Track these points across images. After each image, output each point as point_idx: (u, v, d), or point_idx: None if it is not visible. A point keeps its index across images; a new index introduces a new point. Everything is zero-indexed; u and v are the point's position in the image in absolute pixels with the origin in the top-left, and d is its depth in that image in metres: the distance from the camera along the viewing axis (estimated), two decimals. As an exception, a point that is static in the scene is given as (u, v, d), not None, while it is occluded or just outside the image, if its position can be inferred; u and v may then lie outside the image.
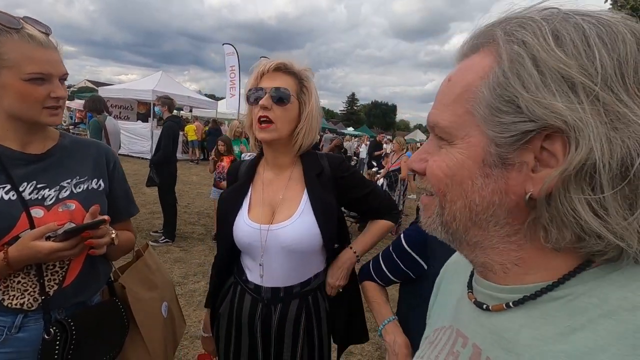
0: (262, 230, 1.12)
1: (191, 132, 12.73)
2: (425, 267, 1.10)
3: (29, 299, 0.99)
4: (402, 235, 1.18)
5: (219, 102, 15.88)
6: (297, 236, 1.11)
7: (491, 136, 0.38)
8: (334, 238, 1.19)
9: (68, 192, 1.05)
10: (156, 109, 4.69)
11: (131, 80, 17.64)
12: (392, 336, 1.03)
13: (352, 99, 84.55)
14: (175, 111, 4.83)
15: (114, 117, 6.18)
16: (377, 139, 13.16)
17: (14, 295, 0.98)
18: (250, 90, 1.12)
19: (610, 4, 7.48)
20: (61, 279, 1.04)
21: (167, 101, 4.62)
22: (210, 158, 5.01)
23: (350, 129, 38.12)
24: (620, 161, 0.33)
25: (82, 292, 1.09)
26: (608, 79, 0.33)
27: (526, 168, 0.38)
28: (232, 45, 13.81)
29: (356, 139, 17.65)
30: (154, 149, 5.31)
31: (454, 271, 0.61)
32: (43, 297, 1.00)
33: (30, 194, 1.00)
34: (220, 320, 1.25)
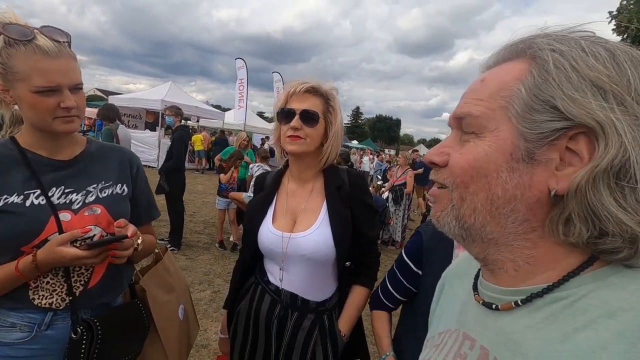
0: (284, 238, 1.19)
1: (198, 142, 12.87)
2: (420, 273, 1.16)
3: (57, 299, 1.03)
4: (403, 249, 1.26)
5: (226, 113, 16.10)
6: (315, 245, 1.16)
7: (522, 131, 0.41)
8: (345, 253, 1.20)
9: (94, 197, 1.09)
10: (167, 118, 4.78)
11: (139, 90, 17.93)
12: None
13: (356, 113, 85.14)
14: (182, 121, 4.94)
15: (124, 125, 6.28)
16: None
17: (43, 295, 1.02)
18: (281, 109, 1.18)
19: (614, 28, 7.60)
20: (87, 280, 1.07)
21: (178, 111, 4.73)
22: (224, 166, 5.13)
23: (355, 142, 38.32)
24: None
25: (107, 293, 1.13)
26: (635, 91, 0.38)
27: (551, 165, 0.40)
28: (243, 60, 14.12)
29: (361, 151, 17.74)
30: (161, 158, 5.39)
31: (457, 276, 0.63)
32: (70, 298, 1.04)
33: (58, 198, 1.04)
34: (239, 317, 1.29)
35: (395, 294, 1.24)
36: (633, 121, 0.37)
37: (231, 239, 5.56)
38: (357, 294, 1.29)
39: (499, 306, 0.47)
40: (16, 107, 1.02)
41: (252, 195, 5.47)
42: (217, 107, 26.99)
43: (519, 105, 0.42)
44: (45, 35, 0.96)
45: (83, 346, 1.02)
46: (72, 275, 1.05)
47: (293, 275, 1.20)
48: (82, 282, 1.07)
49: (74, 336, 1.02)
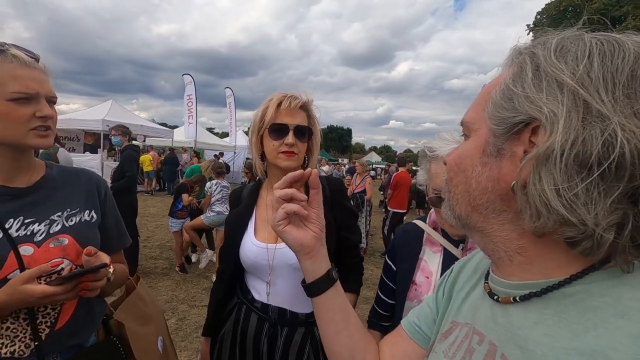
0: (269, 249, 1.16)
1: (147, 162, 12.16)
2: (395, 269, 1.24)
3: (20, 346, 0.91)
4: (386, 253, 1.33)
5: (175, 131, 15.46)
6: None
7: (492, 128, 0.44)
8: (331, 258, 1.19)
9: (60, 226, 0.99)
10: (114, 139, 4.45)
11: (73, 110, 16.58)
12: None
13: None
14: (130, 140, 4.63)
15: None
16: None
17: (3, 343, 0.89)
18: (273, 124, 1.16)
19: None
20: (54, 321, 0.96)
21: (126, 130, 4.44)
22: (188, 186, 4.91)
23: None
24: (581, 152, 0.36)
25: (78, 333, 1.01)
26: (592, 81, 0.37)
27: (515, 159, 0.42)
28: (191, 76, 13.77)
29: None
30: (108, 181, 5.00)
31: (473, 270, 0.63)
32: (36, 343, 0.92)
33: (17, 230, 0.93)
34: (224, 342, 1.22)
35: (385, 298, 1.26)
36: (580, 114, 0.37)
37: (193, 259, 5.29)
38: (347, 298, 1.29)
39: (500, 299, 0.48)
40: None
41: (211, 215, 5.25)
42: (163, 124, 25.77)
43: (491, 106, 0.45)
44: (18, 49, 0.92)
45: None
46: (36, 316, 0.93)
47: (280, 288, 1.17)
48: (49, 324, 0.95)
49: None
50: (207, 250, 5.09)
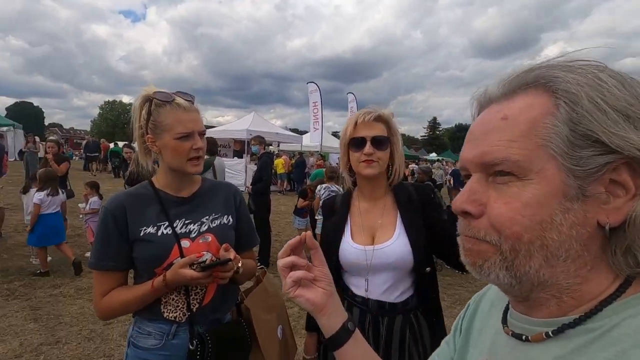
0: (367, 251, 1.30)
1: (280, 165, 13.73)
2: None
3: (179, 313, 1.22)
4: None
5: (304, 136, 16.91)
6: (399, 254, 1.28)
7: (570, 169, 0.40)
8: (423, 259, 1.29)
9: (207, 227, 1.27)
10: (253, 147, 5.26)
11: (226, 121, 19.89)
12: None
13: (433, 124, 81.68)
14: (265, 148, 5.39)
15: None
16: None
17: (170, 309, 1.22)
18: (352, 138, 1.33)
19: None
20: (201, 298, 1.25)
21: (262, 140, 5.18)
22: (308, 191, 5.45)
23: (433, 155, 36.63)
24: None
25: (217, 310, 1.29)
26: None
27: (599, 200, 0.40)
28: (315, 83, 14.79)
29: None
30: (248, 182, 5.88)
31: (491, 303, 0.60)
32: (189, 313, 1.22)
33: (180, 228, 1.24)
34: None
35: None
36: None
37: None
38: None
39: (530, 337, 0.45)
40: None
41: (320, 217, 5.57)
42: (295, 130, 28.53)
43: (562, 142, 0.40)
44: (180, 97, 1.22)
45: (198, 356, 1.18)
46: (190, 293, 1.23)
47: (377, 283, 1.30)
48: (198, 300, 1.24)
49: (190, 347, 1.19)
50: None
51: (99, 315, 1.25)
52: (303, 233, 0.66)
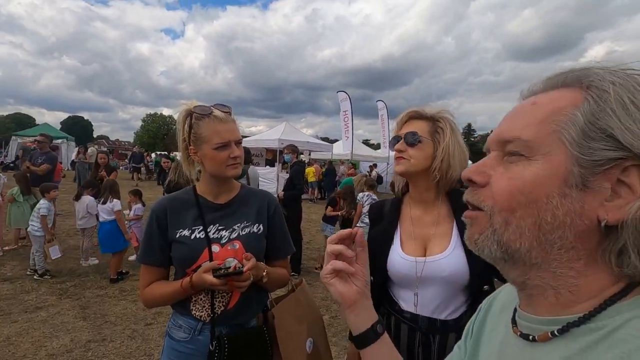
0: (418, 263, 1.21)
1: (311, 174, 13.86)
2: None
3: (205, 314, 1.28)
4: None
5: (334, 145, 17.01)
6: (454, 268, 1.18)
7: (577, 157, 0.41)
8: (481, 275, 1.18)
9: (236, 234, 1.32)
10: (286, 156, 5.39)
11: (259, 131, 20.42)
12: None
13: (467, 130, 79.26)
14: (297, 157, 5.49)
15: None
16: None
17: (197, 308, 1.29)
18: (392, 138, 1.31)
19: None
20: (227, 302, 1.30)
21: (295, 149, 5.29)
22: (337, 199, 5.50)
23: (469, 162, 35.24)
24: None
25: (240, 315, 1.32)
26: None
27: (601, 195, 0.40)
28: (346, 92, 14.89)
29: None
30: (279, 190, 6.00)
31: (502, 307, 0.60)
32: (213, 315, 1.28)
33: (213, 234, 1.30)
34: None
35: None
36: None
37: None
38: None
39: (536, 337, 0.45)
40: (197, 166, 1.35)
41: (362, 225, 5.53)
42: (325, 139, 28.74)
43: (575, 131, 0.41)
44: (218, 109, 1.30)
45: (216, 357, 1.24)
46: (216, 296, 1.29)
47: (428, 298, 1.21)
48: (224, 303, 1.29)
49: (210, 348, 1.25)
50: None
51: (143, 304, 1.38)
52: (355, 228, 0.67)
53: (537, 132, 0.43)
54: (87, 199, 5.14)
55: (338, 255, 0.65)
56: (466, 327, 0.67)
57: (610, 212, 0.40)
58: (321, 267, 5.17)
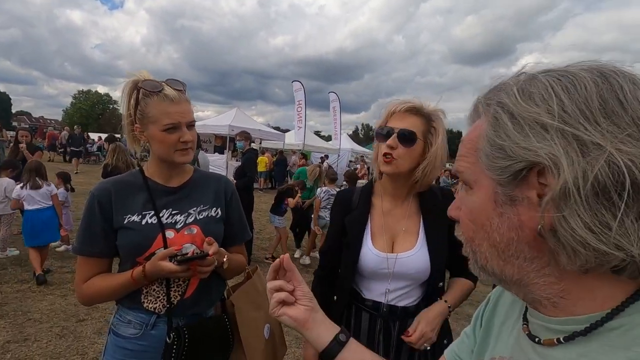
0: (390, 259, 1.22)
1: (262, 163, 13.60)
2: None
3: (159, 305, 1.19)
4: None
5: (287, 134, 16.82)
6: (420, 265, 1.21)
7: (494, 178, 0.44)
8: (439, 274, 1.23)
9: (193, 219, 1.24)
10: (238, 143, 5.18)
11: (207, 117, 19.50)
12: None
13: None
14: (251, 144, 5.30)
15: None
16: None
17: (150, 300, 1.19)
18: (380, 127, 1.21)
19: None
20: (183, 291, 1.22)
21: (248, 136, 5.10)
22: (296, 189, 5.47)
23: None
24: (596, 184, 0.36)
25: (199, 304, 1.25)
26: (571, 115, 0.38)
27: (530, 203, 0.41)
28: (300, 82, 14.77)
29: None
30: (229, 178, 5.81)
31: (513, 298, 0.60)
32: (168, 306, 1.19)
33: (167, 219, 1.21)
34: None
35: None
36: (575, 147, 0.37)
37: (296, 255, 5.74)
38: (464, 282, 1.30)
39: (542, 341, 0.46)
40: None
41: (319, 220, 5.51)
42: (277, 128, 28.30)
43: (485, 157, 0.45)
44: (170, 86, 1.17)
45: (174, 351, 1.15)
46: (172, 286, 1.20)
47: (396, 292, 1.24)
48: (180, 293, 1.21)
49: (167, 340, 1.16)
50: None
51: (79, 301, 1.23)
52: (281, 256, 0.72)
53: (467, 164, 0.48)
54: (4, 181, 4.51)
55: (278, 289, 0.70)
56: (475, 315, 0.68)
57: (546, 217, 0.40)
58: (272, 257, 5.23)
